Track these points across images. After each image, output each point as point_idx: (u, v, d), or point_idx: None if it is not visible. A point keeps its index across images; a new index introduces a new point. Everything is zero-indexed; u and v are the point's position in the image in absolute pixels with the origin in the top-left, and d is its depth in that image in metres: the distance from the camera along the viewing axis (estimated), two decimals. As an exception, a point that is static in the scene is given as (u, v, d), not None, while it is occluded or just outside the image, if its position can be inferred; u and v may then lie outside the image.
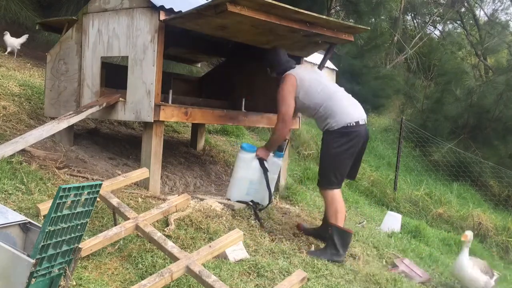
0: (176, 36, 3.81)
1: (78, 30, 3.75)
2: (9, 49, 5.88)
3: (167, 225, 2.90)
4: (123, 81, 3.48)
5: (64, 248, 1.87)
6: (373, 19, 11.63)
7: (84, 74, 3.72)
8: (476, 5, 16.04)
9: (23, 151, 3.22)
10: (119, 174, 3.34)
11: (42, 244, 1.74)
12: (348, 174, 3.44)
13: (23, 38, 5.93)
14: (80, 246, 1.97)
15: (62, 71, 3.89)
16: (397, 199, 6.84)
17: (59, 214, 1.78)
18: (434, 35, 18.50)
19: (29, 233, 2.02)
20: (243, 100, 4.18)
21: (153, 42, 3.29)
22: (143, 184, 3.42)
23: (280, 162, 3.71)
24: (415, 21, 18.14)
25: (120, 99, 3.53)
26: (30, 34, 6.09)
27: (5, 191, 2.67)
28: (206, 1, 3.39)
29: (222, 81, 5.04)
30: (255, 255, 2.91)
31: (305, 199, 4.42)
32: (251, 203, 3.55)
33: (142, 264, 2.42)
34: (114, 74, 3.92)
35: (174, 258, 2.33)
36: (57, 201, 1.74)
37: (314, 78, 3.45)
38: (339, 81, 9.43)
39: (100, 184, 1.97)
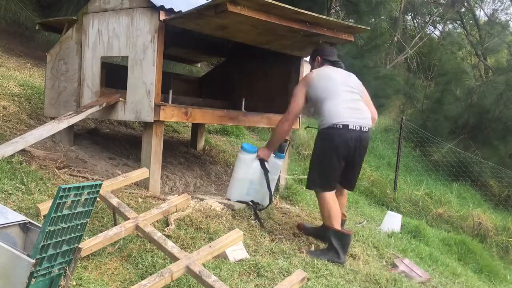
0: (176, 36, 3.81)
1: (78, 30, 3.76)
2: None
3: (167, 225, 2.90)
4: (123, 81, 3.48)
5: (64, 248, 1.87)
6: (373, 19, 11.62)
7: (84, 74, 3.72)
8: (476, 5, 16.03)
9: (23, 151, 3.22)
10: (119, 174, 3.34)
11: (42, 244, 1.74)
12: (342, 182, 3.37)
13: None
14: (80, 246, 1.97)
15: (62, 71, 3.89)
16: (397, 199, 6.84)
17: (59, 214, 1.78)
18: (434, 35, 18.50)
19: (29, 233, 2.02)
20: (243, 100, 4.18)
21: (153, 42, 3.29)
22: (143, 184, 3.42)
23: (281, 163, 3.70)
24: (415, 21, 18.13)
25: (120, 99, 3.53)
26: (30, 34, 6.08)
27: (5, 191, 2.67)
28: (206, 1, 3.39)
29: (222, 81, 5.04)
30: (255, 255, 2.91)
31: (305, 199, 4.42)
32: (251, 203, 3.55)
33: (142, 264, 2.42)
34: (114, 74, 3.92)
35: (174, 258, 2.33)
36: (57, 201, 1.74)
37: (329, 75, 3.37)
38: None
39: (100, 184, 1.97)
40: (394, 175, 7.28)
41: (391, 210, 5.98)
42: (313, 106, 3.45)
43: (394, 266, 3.54)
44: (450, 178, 9.15)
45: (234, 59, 4.93)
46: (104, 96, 3.61)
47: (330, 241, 3.19)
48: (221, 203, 3.51)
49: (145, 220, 2.56)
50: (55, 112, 3.91)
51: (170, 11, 3.29)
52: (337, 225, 3.22)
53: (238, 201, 3.54)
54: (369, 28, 4.28)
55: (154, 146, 3.39)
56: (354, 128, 3.18)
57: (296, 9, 3.04)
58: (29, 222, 2.03)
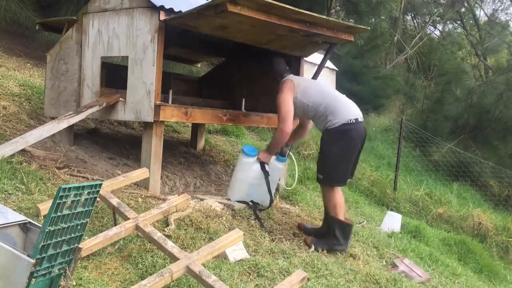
0: (176, 36, 3.81)
1: (78, 30, 3.75)
2: None
3: (167, 225, 2.90)
4: (123, 81, 3.48)
5: (64, 248, 1.87)
6: (373, 19, 11.62)
7: (84, 74, 3.72)
8: (476, 5, 16.04)
9: (23, 151, 3.22)
10: (119, 174, 3.34)
11: (42, 244, 1.74)
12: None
13: None
14: (80, 246, 1.97)
15: (62, 71, 3.89)
16: (397, 199, 6.84)
17: (59, 214, 1.78)
18: (434, 35, 18.50)
19: (29, 233, 2.02)
20: (243, 100, 4.18)
21: (153, 42, 3.29)
22: (143, 184, 3.42)
23: (282, 166, 3.70)
24: (415, 21, 18.13)
25: (120, 99, 3.53)
26: (30, 34, 6.08)
27: (5, 191, 2.67)
28: (206, 1, 3.39)
29: (222, 81, 5.04)
30: (255, 255, 2.91)
31: (305, 199, 4.42)
32: (250, 203, 3.56)
33: (142, 264, 2.42)
34: (114, 74, 3.92)
35: (174, 258, 2.33)
36: (57, 201, 1.74)
37: (310, 80, 3.67)
38: (339, 81, 9.43)
39: (100, 184, 1.97)
40: (394, 175, 7.28)
41: (391, 210, 5.98)
42: (306, 112, 3.49)
43: (394, 266, 3.54)
44: (450, 178, 9.15)
45: (234, 59, 4.93)
46: (104, 96, 3.61)
47: (333, 232, 3.34)
48: (221, 203, 3.51)
49: (145, 220, 2.56)
50: (55, 112, 3.91)
51: (170, 11, 3.29)
52: (341, 217, 3.38)
53: (238, 201, 3.55)
54: (369, 28, 4.29)
55: (154, 146, 3.39)
56: (361, 120, 3.37)
57: (296, 9, 3.04)
58: (29, 222, 2.03)
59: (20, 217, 2.04)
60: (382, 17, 12.48)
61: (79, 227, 1.92)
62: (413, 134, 8.81)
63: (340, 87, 8.14)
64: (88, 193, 1.92)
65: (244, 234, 2.76)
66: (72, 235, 1.89)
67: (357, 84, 10.38)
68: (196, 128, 5.15)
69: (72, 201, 1.84)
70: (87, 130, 4.57)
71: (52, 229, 1.76)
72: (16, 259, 1.70)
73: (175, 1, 3.46)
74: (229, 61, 5.16)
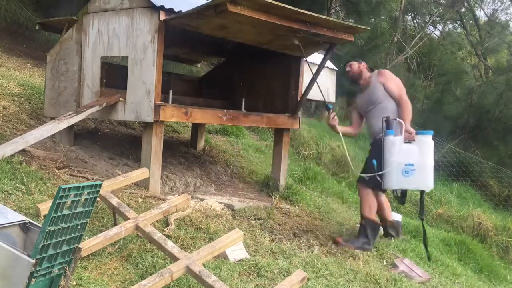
0: (176, 36, 3.81)
1: (78, 30, 3.76)
2: None
3: (167, 225, 2.90)
4: (123, 81, 3.48)
5: (64, 248, 1.87)
6: (373, 19, 11.61)
7: (84, 74, 3.72)
8: (476, 5, 16.03)
9: (23, 151, 3.22)
10: (119, 174, 3.34)
11: (42, 244, 1.74)
12: None
13: None
14: (80, 246, 1.97)
15: (62, 71, 3.89)
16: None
17: (59, 214, 1.78)
18: (434, 35, 18.47)
19: (29, 233, 2.02)
20: (243, 100, 4.18)
21: (153, 42, 3.29)
22: (143, 184, 3.42)
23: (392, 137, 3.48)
24: (415, 21, 18.11)
25: (120, 99, 3.53)
26: (30, 34, 6.08)
27: (5, 191, 2.67)
28: (206, 1, 3.39)
29: (222, 81, 5.04)
30: (255, 255, 2.91)
31: (305, 199, 4.42)
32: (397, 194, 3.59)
33: (142, 264, 2.42)
34: (114, 74, 3.92)
35: (174, 258, 2.33)
36: (57, 201, 1.74)
37: None
38: (339, 81, 9.42)
39: (100, 184, 1.97)
40: (394, 175, 7.26)
41: (391, 210, 5.97)
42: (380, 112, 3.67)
43: (394, 266, 3.54)
44: (450, 178, 9.14)
45: (234, 59, 4.93)
46: (104, 96, 3.61)
47: (364, 231, 3.58)
48: (221, 203, 3.52)
49: (145, 220, 2.56)
50: (55, 112, 3.91)
51: (170, 11, 3.29)
52: (374, 217, 3.67)
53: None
54: (369, 28, 4.29)
55: (154, 146, 3.39)
56: None
57: (296, 9, 3.04)
58: (29, 222, 2.03)
59: (20, 217, 2.04)
60: (382, 17, 12.46)
61: (79, 227, 1.92)
62: (413, 134, 8.78)
63: (340, 87, 8.12)
64: (88, 193, 1.92)
65: (244, 234, 2.76)
66: (72, 235, 1.89)
67: (357, 84, 10.34)
68: (196, 128, 5.15)
69: (72, 201, 1.84)
70: (87, 130, 4.57)
71: (52, 229, 1.76)
72: (16, 259, 1.70)
73: (175, 1, 3.46)
74: (229, 61, 5.16)
